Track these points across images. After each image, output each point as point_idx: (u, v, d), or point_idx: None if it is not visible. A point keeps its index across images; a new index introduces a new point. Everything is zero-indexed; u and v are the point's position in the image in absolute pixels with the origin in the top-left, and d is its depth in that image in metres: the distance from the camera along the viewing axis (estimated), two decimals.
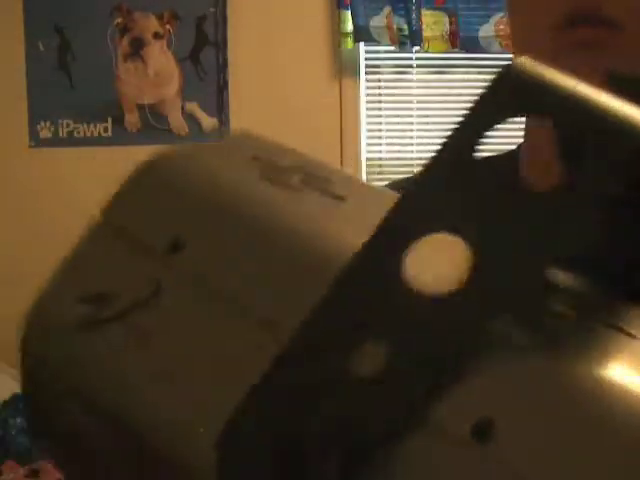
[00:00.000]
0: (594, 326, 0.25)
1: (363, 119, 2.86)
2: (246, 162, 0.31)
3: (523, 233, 0.25)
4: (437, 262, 0.25)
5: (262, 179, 0.30)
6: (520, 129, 0.50)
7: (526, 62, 0.28)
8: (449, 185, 0.27)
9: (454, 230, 0.24)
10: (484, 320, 0.23)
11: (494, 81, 0.28)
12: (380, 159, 2.91)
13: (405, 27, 2.73)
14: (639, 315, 0.26)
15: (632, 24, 0.46)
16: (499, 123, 0.28)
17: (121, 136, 2.76)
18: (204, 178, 0.30)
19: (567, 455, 0.21)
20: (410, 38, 2.73)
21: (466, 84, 2.93)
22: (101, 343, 0.28)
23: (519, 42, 0.53)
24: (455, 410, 0.23)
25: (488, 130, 0.28)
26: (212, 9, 2.75)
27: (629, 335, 0.25)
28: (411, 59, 2.89)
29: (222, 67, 2.77)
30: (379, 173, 2.90)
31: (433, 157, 0.27)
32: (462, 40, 2.77)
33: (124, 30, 2.74)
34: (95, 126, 2.75)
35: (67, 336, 0.29)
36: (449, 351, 0.23)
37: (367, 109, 2.88)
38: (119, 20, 2.73)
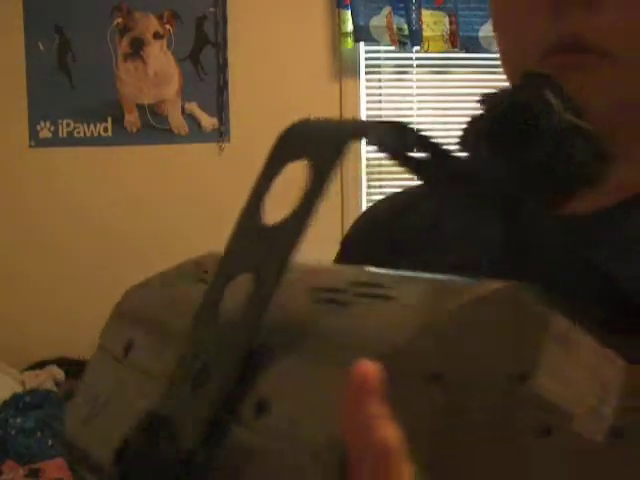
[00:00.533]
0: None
1: (363, 118, 2.86)
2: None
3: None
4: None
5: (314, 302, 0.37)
6: None
7: (300, 124, 0.40)
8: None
9: (255, 269, 0.35)
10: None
11: (277, 139, 0.40)
12: (380, 159, 2.91)
13: (405, 27, 2.73)
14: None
15: (616, 50, 0.50)
16: (283, 167, 0.38)
17: (121, 136, 2.76)
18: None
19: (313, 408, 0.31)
20: (410, 38, 2.73)
21: (466, 84, 2.93)
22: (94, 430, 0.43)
23: (509, 63, 0.56)
24: (244, 398, 0.33)
25: (278, 174, 0.38)
26: (212, 9, 2.75)
27: (384, 297, 0.34)
28: (411, 59, 2.89)
29: (222, 67, 2.77)
30: (379, 173, 2.90)
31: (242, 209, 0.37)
32: (462, 40, 2.77)
33: (124, 30, 2.74)
34: (95, 126, 2.76)
35: (78, 427, 0.44)
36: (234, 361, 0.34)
37: (367, 109, 2.88)
38: (119, 20, 2.73)
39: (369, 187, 2.90)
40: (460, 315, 0.33)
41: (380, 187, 2.91)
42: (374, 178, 2.90)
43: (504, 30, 0.55)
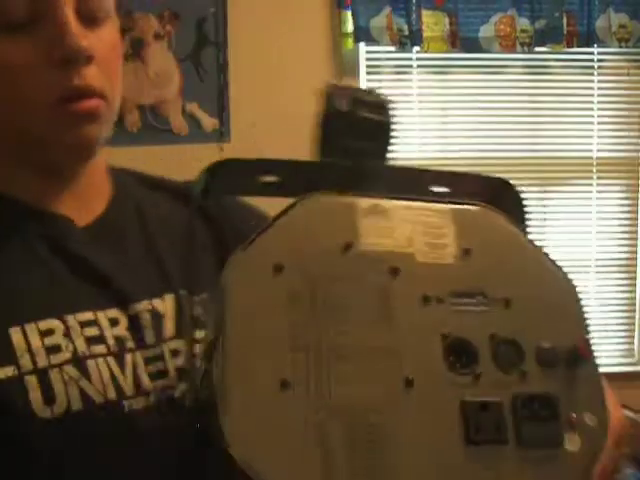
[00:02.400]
0: None
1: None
2: None
3: None
4: None
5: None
6: None
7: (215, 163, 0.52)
8: None
9: None
10: None
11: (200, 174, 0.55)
12: None
13: (405, 27, 2.73)
14: None
15: (108, 92, 0.73)
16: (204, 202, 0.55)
17: (121, 136, 2.76)
18: None
19: None
20: (410, 38, 2.73)
21: (466, 84, 2.93)
22: None
23: (9, 116, 0.66)
24: None
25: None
26: (212, 9, 2.75)
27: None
28: (411, 59, 2.89)
29: (222, 67, 2.77)
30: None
31: None
32: (462, 40, 2.77)
33: (124, 30, 2.74)
34: None
35: None
36: None
37: None
38: (119, 20, 2.73)
39: None
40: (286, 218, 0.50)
41: None
42: None
43: (12, 81, 0.64)
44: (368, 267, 0.49)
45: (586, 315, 0.52)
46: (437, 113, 2.95)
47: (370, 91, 0.58)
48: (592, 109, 2.98)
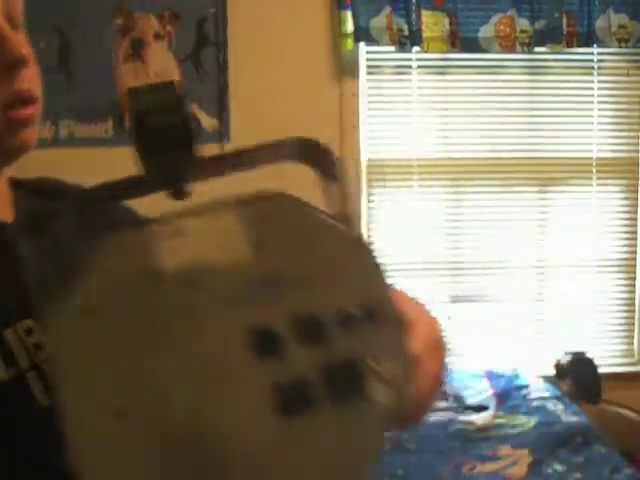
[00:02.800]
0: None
1: (363, 119, 2.87)
2: None
3: None
4: None
5: None
6: None
7: None
8: None
9: None
10: None
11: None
12: (380, 159, 2.91)
13: (405, 27, 2.73)
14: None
15: (38, 94, 0.70)
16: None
17: (122, 137, 2.76)
18: None
19: None
20: (410, 38, 2.73)
21: (466, 85, 2.93)
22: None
23: None
24: None
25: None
26: (212, 10, 2.75)
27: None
28: (411, 59, 2.89)
29: (222, 68, 2.78)
30: (379, 173, 2.91)
31: None
32: (462, 41, 2.77)
33: (125, 31, 2.75)
34: (96, 127, 2.76)
35: None
36: None
37: (367, 109, 2.88)
38: (120, 21, 2.74)
39: (369, 187, 2.90)
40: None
41: (380, 187, 2.92)
42: (374, 178, 2.90)
43: None
44: (170, 288, 0.51)
45: (381, 268, 0.54)
46: (437, 113, 2.95)
47: (156, 88, 0.56)
48: (592, 109, 2.98)
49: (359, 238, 0.55)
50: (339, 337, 0.52)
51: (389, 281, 0.54)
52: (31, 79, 0.68)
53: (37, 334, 0.67)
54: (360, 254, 0.54)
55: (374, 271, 0.54)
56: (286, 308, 0.52)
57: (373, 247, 0.55)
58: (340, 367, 0.52)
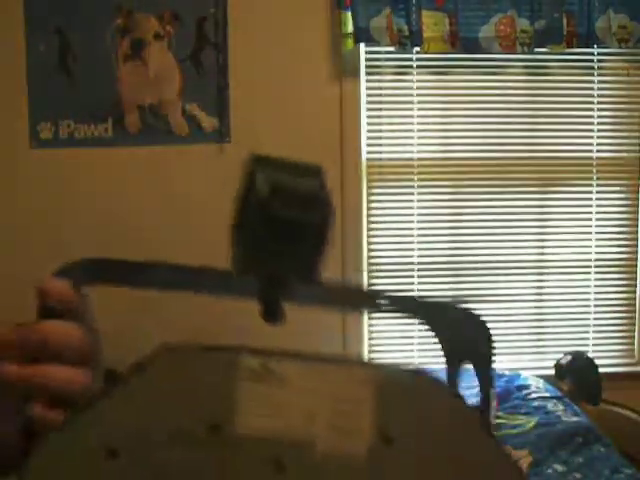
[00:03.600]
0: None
1: (363, 119, 2.86)
2: None
3: None
4: None
5: None
6: None
7: None
8: None
9: None
10: None
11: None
12: (380, 159, 2.91)
13: (405, 28, 2.73)
14: None
15: None
16: None
17: (121, 137, 2.77)
18: None
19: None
20: (410, 39, 2.73)
21: (466, 85, 2.93)
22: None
23: None
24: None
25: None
26: (212, 10, 2.75)
27: None
28: (411, 60, 2.89)
29: (222, 68, 2.78)
30: (379, 173, 2.91)
31: None
32: (462, 41, 2.77)
33: (124, 31, 2.74)
34: (96, 127, 2.76)
35: None
36: None
37: (367, 109, 2.88)
38: (119, 21, 2.74)
39: (369, 187, 2.90)
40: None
41: (380, 187, 2.91)
42: (374, 178, 2.90)
43: None
44: (242, 459, 0.36)
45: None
46: (437, 113, 2.95)
47: (302, 169, 0.42)
48: (592, 109, 2.98)
49: (521, 470, 0.41)
50: None
51: None
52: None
53: None
54: None
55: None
56: None
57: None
58: None
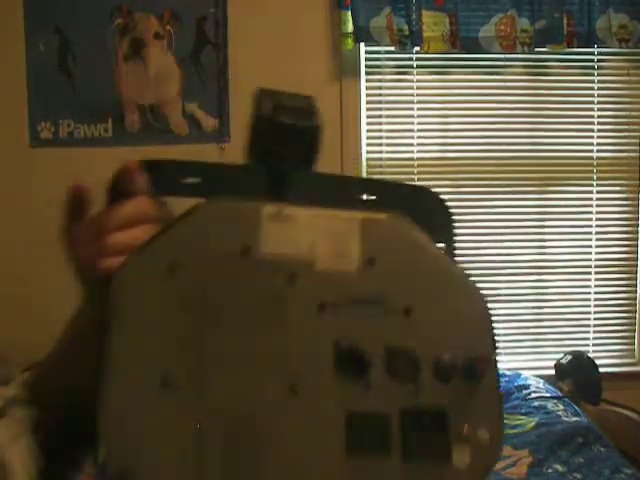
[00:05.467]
0: None
1: (363, 119, 2.86)
2: None
3: None
4: None
5: None
6: None
7: None
8: None
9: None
10: None
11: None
12: (380, 159, 2.91)
13: (405, 28, 2.73)
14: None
15: None
16: None
17: (121, 136, 2.77)
18: None
19: None
20: (410, 39, 2.73)
21: (466, 84, 2.93)
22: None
23: None
24: None
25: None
26: (212, 10, 2.75)
27: None
28: (411, 59, 2.89)
29: (222, 67, 2.77)
30: (379, 173, 2.90)
31: None
32: (462, 41, 2.77)
33: (124, 31, 2.74)
34: (95, 126, 2.76)
35: None
36: None
37: (367, 109, 2.88)
38: (119, 21, 2.73)
39: None
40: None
41: None
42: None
43: None
44: (265, 272, 0.49)
45: (493, 327, 0.50)
46: (437, 113, 2.95)
47: (296, 96, 0.59)
48: (592, 109, 2.98)
49: (475, 284, 0.51)
50: (431, 385, 0.48)
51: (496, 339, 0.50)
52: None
53: None
54: (476, 305, 0.50)
55: (485, 326, 0.50)
56: (383, 334, 0.48)
57: (485, 295, 0.51)
58: (423, 417, 0.47)
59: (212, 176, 0.57)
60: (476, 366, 0.48)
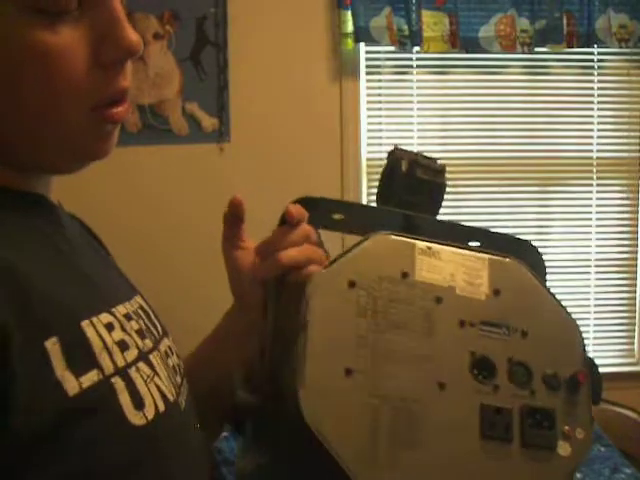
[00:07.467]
0: None
1: (363, 119, 2.86)
2: None
3: None
4: None
5: None
6: None
7: None
8: None
9: None
10: None
11: None
12: (380, 159, 2.91)
13: (405, 27, 2.73)
14: None
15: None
16: None
17: (121, 136, 2.74)
18: None
19: None
20: (410, 38, 2.73)
21: (466, 84, 2.93)
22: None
23: (56, 111, 0.56)
24: None
25: None
26: (212, 9, 2.75)
27: None
28: (411, 59, 2.89)
29: (222, 67, 2.77)
30: (379, 173, 2.90)
31: None
32: (462, 40, 2.77)
33: None
34: None
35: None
36: None
37: (367, 109, 2.88)
38: None
39: (369, 187, 2.90)
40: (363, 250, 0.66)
41: None
42: (374, 178, 2.90)
43: (47, 75, 0.54)
44: (419, 294, 0.64)
45: (585, 348, 0.68)
46: (437, 113, 2.95)
47: (429, 157, 0.74)
48: (592, 109, 2.98)
49: (574, 321, 0.68)
50: (541, 391, 0.64)
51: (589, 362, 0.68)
52: (129, 74, 0.61)
53: (119, 331, 0.56)
54: (574, 332, 0.68)
55: (582, 351, 0.68)
56: (506, 349, 0.64)
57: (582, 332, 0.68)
58: (537, 416, 0.62)
59: (353, 214, 0.74)
60: (576, 380, 0.65)
